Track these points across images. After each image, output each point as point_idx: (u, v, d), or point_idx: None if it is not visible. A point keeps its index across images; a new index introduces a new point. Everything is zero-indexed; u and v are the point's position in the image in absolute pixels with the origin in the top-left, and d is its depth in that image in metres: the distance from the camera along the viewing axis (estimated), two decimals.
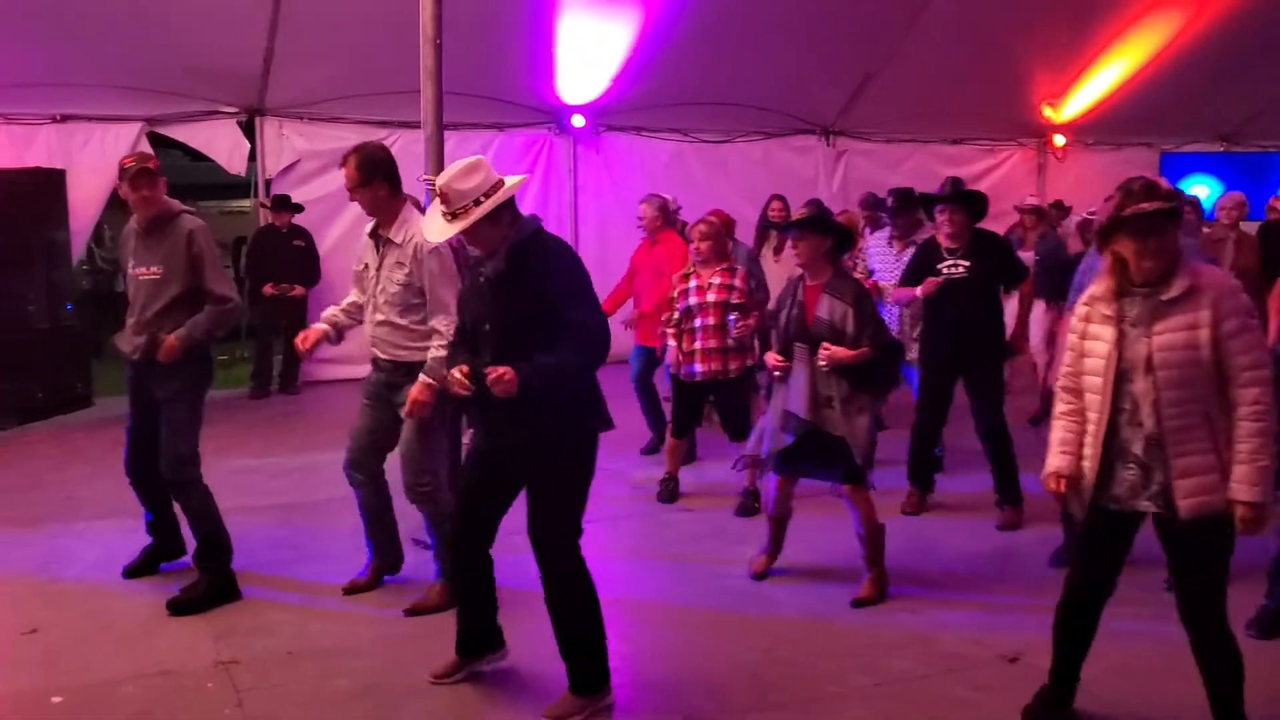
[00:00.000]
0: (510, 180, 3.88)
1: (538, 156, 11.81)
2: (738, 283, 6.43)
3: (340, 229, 10.74)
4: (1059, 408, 3.70)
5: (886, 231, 7.81)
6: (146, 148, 10.44)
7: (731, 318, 6.34)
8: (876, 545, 5.12)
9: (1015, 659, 4.37)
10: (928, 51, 11.21)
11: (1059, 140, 13.66)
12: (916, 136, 12.97)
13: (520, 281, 3.83)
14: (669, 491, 6.78)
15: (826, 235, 5.08)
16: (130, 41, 9.06)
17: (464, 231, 3.82)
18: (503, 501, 4.07)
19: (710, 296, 6.39)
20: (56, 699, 4.09)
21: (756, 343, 6.59)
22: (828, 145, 12.82)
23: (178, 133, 10.71)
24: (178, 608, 4.91)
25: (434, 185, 5.63)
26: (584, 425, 3.91)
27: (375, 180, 4.77)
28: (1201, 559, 3.51)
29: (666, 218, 7.73)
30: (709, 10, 10.14)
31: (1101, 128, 13.57)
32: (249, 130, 10.81)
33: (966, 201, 6.23)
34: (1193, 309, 3.39)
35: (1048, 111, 13.28)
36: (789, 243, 5.87)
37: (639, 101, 11.35)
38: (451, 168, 3.82)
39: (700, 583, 5.35)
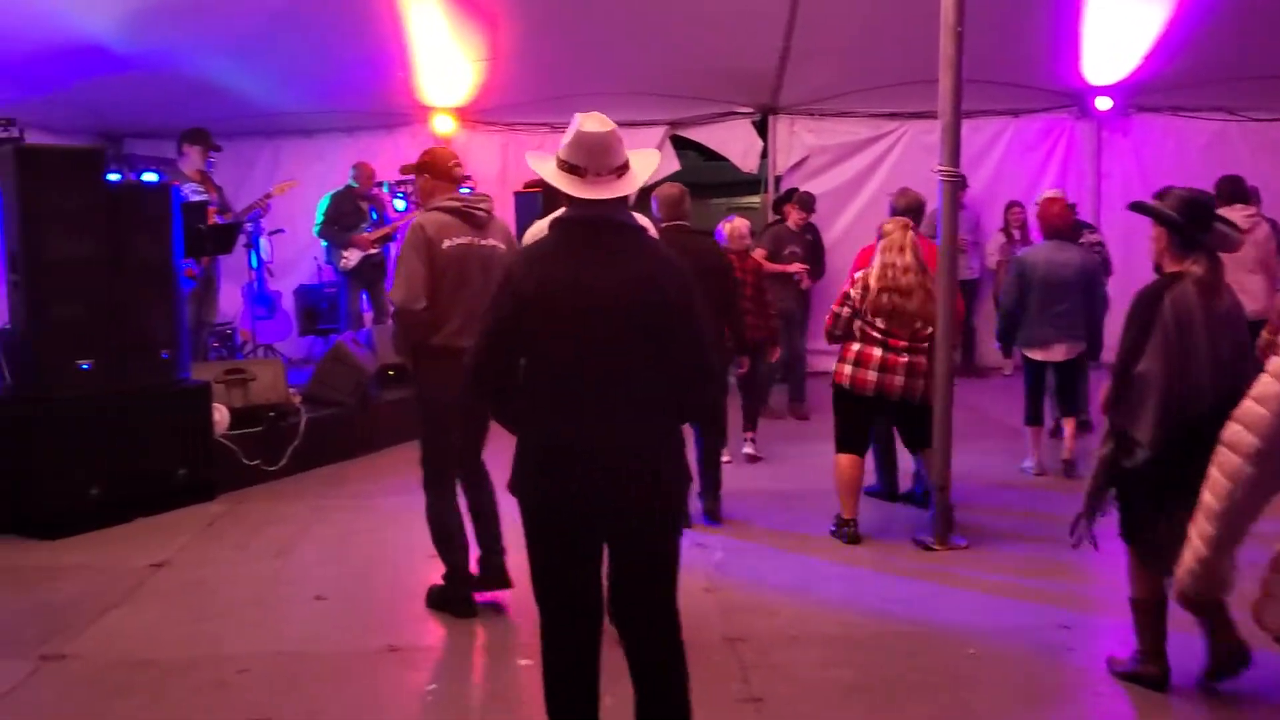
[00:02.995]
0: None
1: (1056, 143, 11.20)
2: None
3: (846, 222, 10.86)
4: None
5: None
6: (669, 149, 11.20)
7: None
8: None
9: None
10: None
11: None
12: None
13: None
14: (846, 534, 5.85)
15: None
16: (657, 51, 9.68)
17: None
18: None
19: None
20: (523, 661, 4.43)
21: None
22: None
23: (696, 134, 11.34)
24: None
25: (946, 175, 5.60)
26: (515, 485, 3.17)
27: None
28: None
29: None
30: None
31: None
32: (761, 129, 11.22)
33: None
34: None
35: None
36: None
37: (1176, 79, 10.32)
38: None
39: None
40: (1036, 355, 7.03)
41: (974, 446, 7.16)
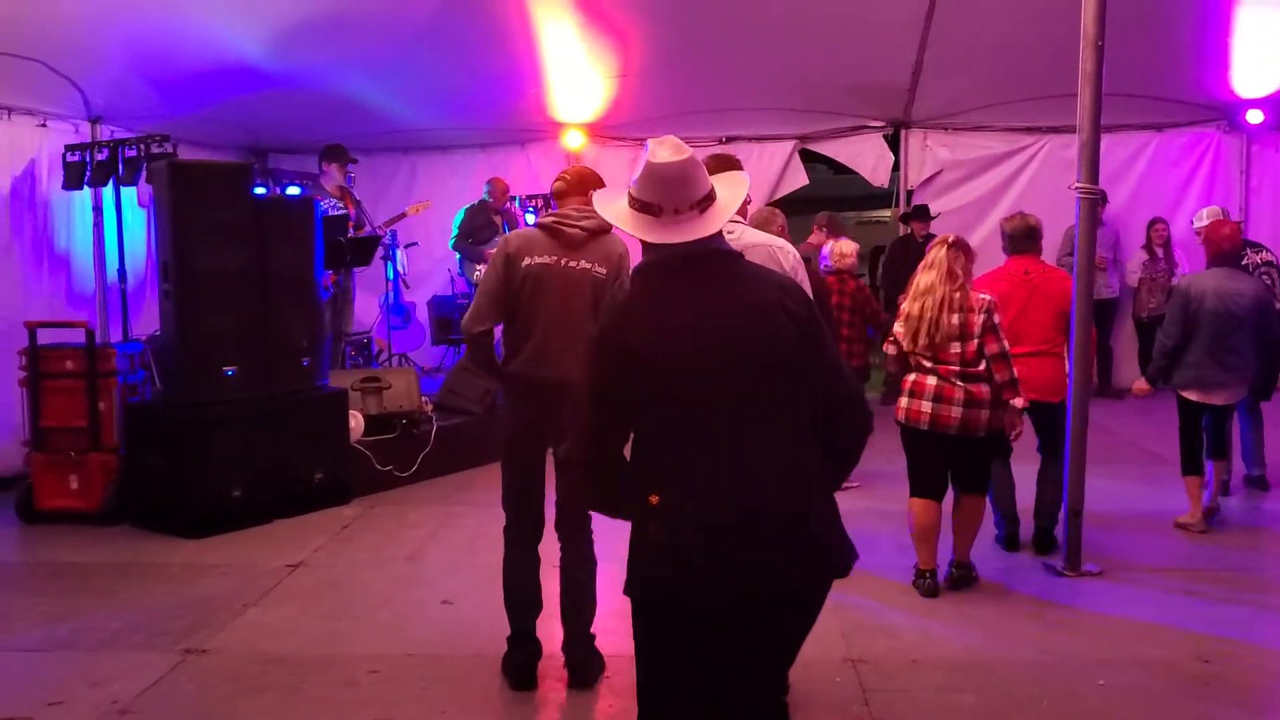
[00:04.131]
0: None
1: (1201, 158, 10.80)
2: None
3: (979, 238, 10.60)
4: None
5: None
6: (797, 163, 11.17)
7: None
8: None
9: None
10: None
11: None
12: None
13: None
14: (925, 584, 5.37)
15: None
16: (788, 65, 9.65)
17: None
18: None
19: None
20: None
21: None
22: None
23: (826, 148, 11.28)
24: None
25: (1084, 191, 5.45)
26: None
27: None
28: None
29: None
30: None
31: None
32: (893, 142, 11.09)
33: None
34: None
35: None
36: None
37: None
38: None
39: None
40: (1197, 397, 6.25)
41: (1107, 471, 6.94)
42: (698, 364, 2.51)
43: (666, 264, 2.61)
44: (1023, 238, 5.99)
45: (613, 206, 2.68)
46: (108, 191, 8.38)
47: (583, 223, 4.24)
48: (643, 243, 2.63)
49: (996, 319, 5.16)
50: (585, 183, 4.39)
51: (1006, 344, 5.17)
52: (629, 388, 2.55)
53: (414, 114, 10.45)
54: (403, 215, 9.89)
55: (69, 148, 8.16)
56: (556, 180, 4.48)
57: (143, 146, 7.76)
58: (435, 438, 7.78)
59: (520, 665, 4.38)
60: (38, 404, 6.80)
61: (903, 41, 9.44)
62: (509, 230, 10.13)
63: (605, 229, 4.25)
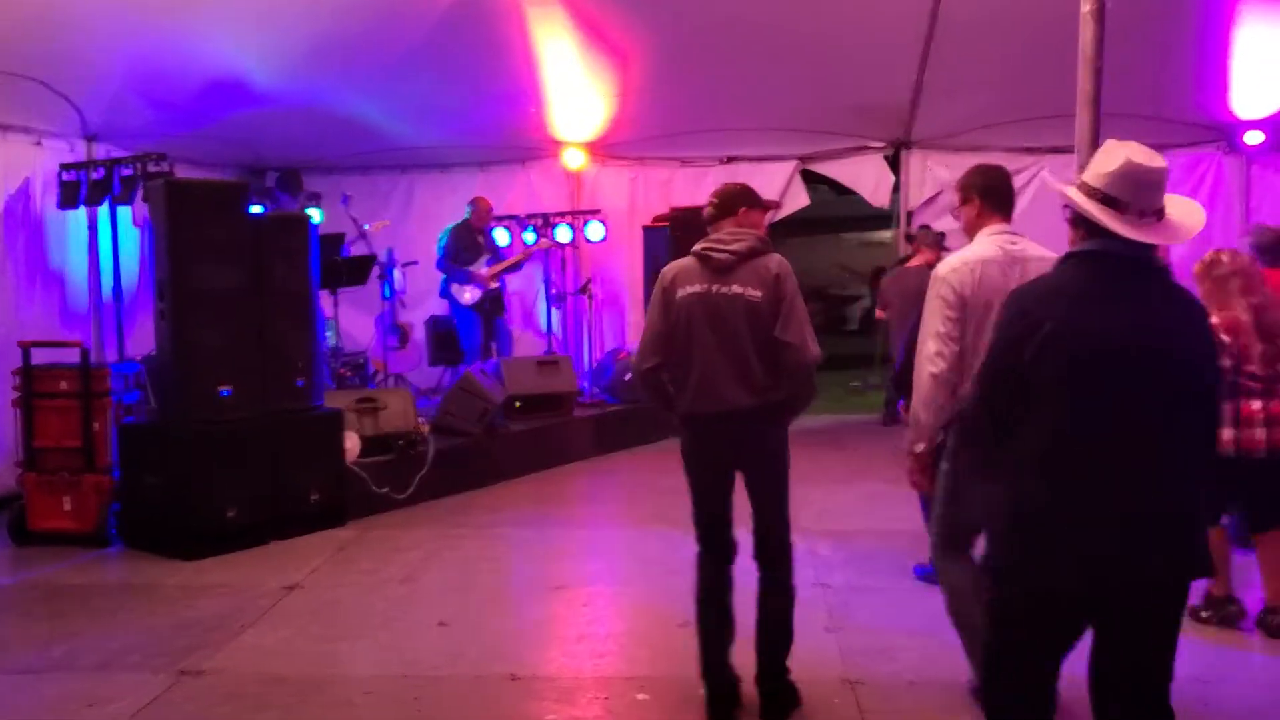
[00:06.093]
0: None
1: (1201, 179, 10.77)
2: None
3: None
4: None
5: None
6: (799, 184, 11.18)
7: None
8: None
9: None
10: None
11: None
12: None
13: None
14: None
15: None
16: (789, 85, 9.66)
17: None
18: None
19: None
20: (641, 696, 4.40)
21: None
22: None
23: (827, 169, 11.28)
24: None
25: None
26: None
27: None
28: None
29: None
30: None
31: None
32: (894, 163, 11.10)
33: None
34: None
35: None
36: None
37: None
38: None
39: None
40: None
41: None
42: (1097, 371, 2.61)
43: (1113, 261, 2.70)
44: (1273, 249, 5.70)
45: (1071, 190, 2.78)
46: (103, 210, 8.36)
47: (733, 246, 4.03)
48: (1087, 231, 2.74)
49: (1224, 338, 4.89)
50: (736, 201, 4.20)
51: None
52: (1026, 370, 2.66)
53: (413, 132, 10.45)
54: (363, 234, 9.91)
55: (64, 166, 8.15)
56: (706, 205, 4.26)
57: (139, 165, 7.75)
58: (432, 459, 7.73)
59: (726, 695, 4.13)
60: (31, 424, 6.75)
61: (903, 62, 9.45)
62: (491, 250, 10.17)
63: (758, 251, 4.04)
